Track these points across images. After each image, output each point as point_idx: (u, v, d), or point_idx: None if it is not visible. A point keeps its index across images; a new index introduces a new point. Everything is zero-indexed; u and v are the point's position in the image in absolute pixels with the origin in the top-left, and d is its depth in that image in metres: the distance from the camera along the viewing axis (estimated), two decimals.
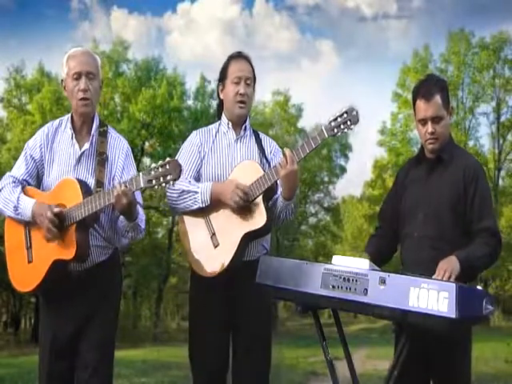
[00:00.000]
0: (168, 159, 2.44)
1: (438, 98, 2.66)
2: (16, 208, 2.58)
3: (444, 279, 2.32)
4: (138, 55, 25.81)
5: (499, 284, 31.73)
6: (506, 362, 8.78)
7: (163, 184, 2.40)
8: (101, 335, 2.60)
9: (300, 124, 30.35)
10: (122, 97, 23.94)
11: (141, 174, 2.43)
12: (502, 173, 27.61)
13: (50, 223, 2.47)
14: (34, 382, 2.70)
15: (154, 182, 2.39)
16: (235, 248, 2.63)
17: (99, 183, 2.61)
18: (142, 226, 2.65)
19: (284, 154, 2.57)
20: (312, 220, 32.33)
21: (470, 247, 2.54)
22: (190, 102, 25.51)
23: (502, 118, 26.98)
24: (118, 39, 25.33)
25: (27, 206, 2.56)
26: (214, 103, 3.14)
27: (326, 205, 31.57)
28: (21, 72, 24.76)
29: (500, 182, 27.63)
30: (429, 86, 2.70)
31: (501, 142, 27.13)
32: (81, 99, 2.63)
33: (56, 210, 2.49)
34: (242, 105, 2.85)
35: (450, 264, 2.40)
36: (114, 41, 25.34)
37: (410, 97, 2.86)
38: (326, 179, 31.08)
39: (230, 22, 47.74)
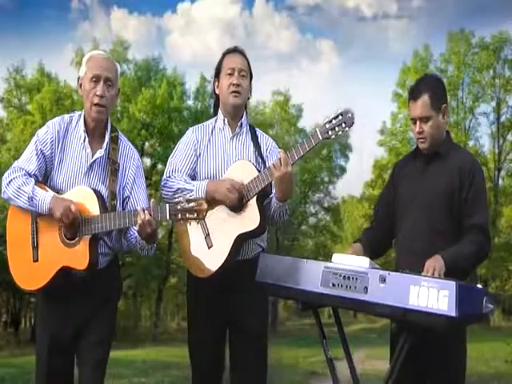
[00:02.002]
0: (197, 197, 2.51)
1: (425, 98, 2.67)
2: (31, 199, 2.52)
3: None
4: (138, 55, 25.92)
5: (499, 284, 31.70)
6: (506, 362, 8.73)
7: (188, 220, 2.44)
8: (101, 335, 2.59)
9: (300, 124, 30.39)
10: (121, 97, 23.92)
11: (167, 205, 2.46)
12: (502, 173, 27.63)
13: (70, 215, 2.45)
14: (34, 381, 2.69)
15: (179, 215, 2.43)
16: (229, 249, 2.63)
17: (113, 195, 2.61)
18: (155, 244, 2.67)
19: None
20: (312, 220, 32.33)
21: (456, 246, 2.54)
22: (189, 102, 25.56)
23: (502, 118, 27.03)
24: (118, 39, 25.39)
25: (44, 198, 2.51)
26: None
27: (326, 205, 31.57)
28: (21, 72, 24.84)
29: (500, 181, 27.66)
30: (418, 86, 2.72)
31: (501, 142, 27.14)
32: (95, 104, 2.59)
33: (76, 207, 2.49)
34: (236, 94, 2.82)
35: (435, 262, 2.41)
36: (114, 41, 25.43)
37: None
38: (326, 179, 31.07)
39: (230, 22, 47.80)
